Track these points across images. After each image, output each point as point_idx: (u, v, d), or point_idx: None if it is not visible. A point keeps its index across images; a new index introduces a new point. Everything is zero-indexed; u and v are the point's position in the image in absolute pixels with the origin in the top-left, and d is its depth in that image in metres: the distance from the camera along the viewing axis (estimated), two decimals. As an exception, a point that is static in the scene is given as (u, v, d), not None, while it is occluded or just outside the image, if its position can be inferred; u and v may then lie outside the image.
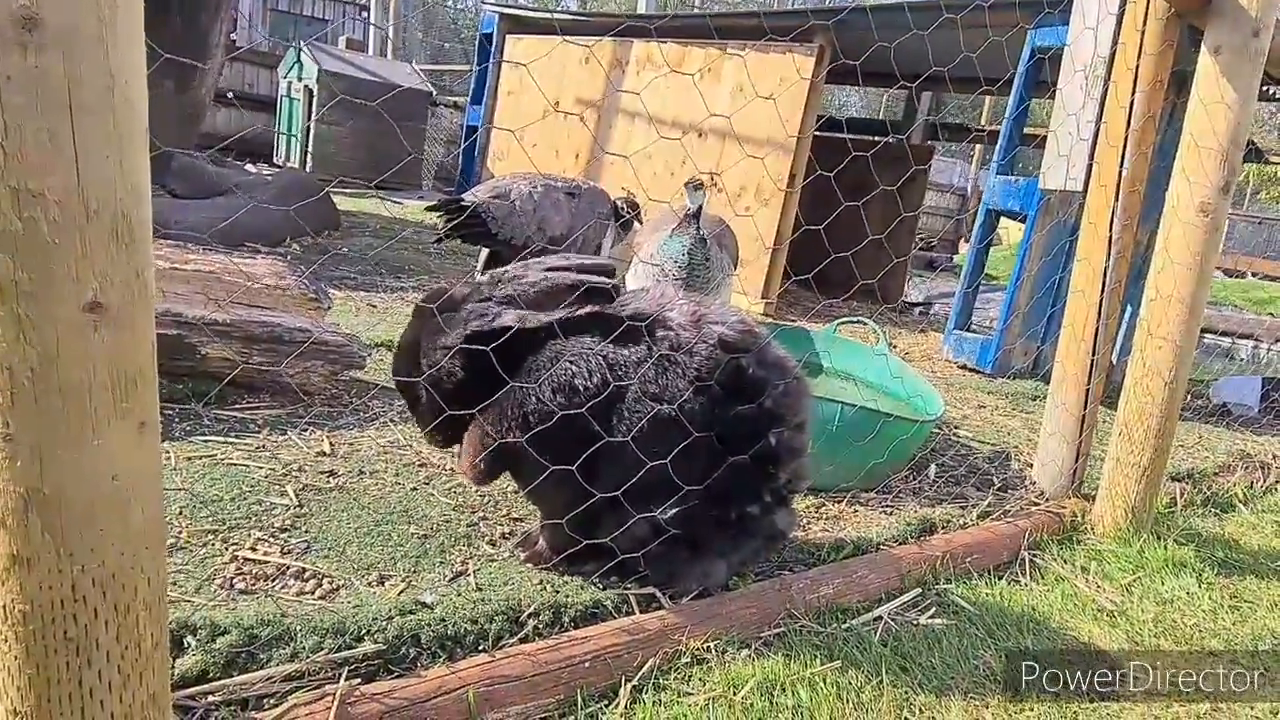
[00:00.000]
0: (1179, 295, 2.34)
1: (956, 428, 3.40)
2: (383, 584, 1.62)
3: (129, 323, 0.80)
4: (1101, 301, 2.55)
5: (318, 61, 8.60)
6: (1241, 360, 6.91)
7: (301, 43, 8.88)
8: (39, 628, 0.81)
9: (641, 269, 3.28)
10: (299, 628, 1.37)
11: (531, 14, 7.37)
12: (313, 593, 1.55)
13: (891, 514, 2.39)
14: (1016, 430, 3.51)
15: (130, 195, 0.77)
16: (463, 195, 3.44)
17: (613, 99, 6.42)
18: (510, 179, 3.55)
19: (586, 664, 1.48)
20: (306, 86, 8.76)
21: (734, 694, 1.50)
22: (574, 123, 6.56)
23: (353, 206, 6.82)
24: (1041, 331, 4.53)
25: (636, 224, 3.88)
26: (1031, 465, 2.87)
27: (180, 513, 1.72)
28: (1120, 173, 2.49)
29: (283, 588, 1.56)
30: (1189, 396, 4.94)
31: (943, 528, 2.30)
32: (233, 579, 1.55)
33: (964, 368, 4.70)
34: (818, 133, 5.49)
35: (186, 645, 1.30)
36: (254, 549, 1.65)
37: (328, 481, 2.00)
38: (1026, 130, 4.95)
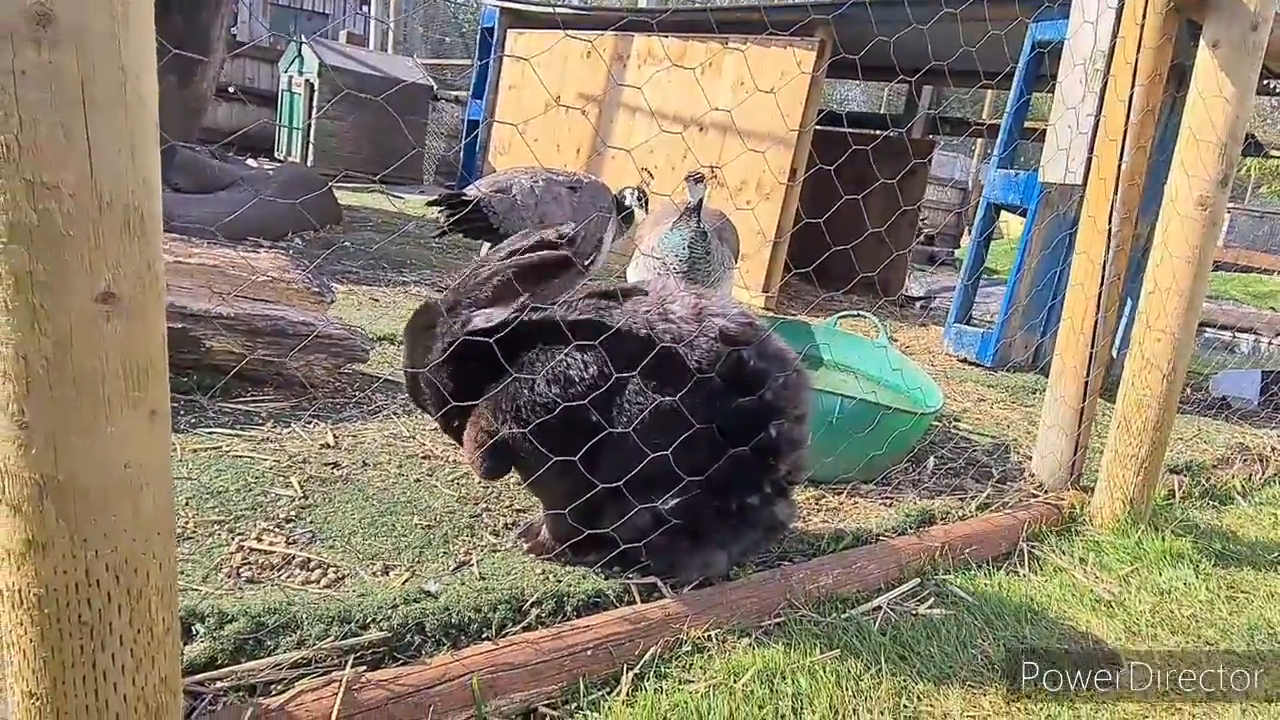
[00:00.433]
0: (1177, 288, 2.36)
1: (956, 420, 3.41)
2: (387, 573, 1.64)
3: (140, 313, 0.81)
4: (1100, 295, 2.56)
5: (318, 56, 8.61)
6: (1242, 354, 6.92)
7: (302, 37, 8.89)
8: (54, 611, 0.83)
9: (643, 262, 3.30)
10: (305, 616, 1.39)
11: (533, 8, 7.36)
12: (318, 582, 1.57)
13: (891, 505, 2.40)
14: (1016, 423, 3.52)
15: (142, 188, 0.79)
16: (464, 190, 3.45)
17: (614, 93, 6.43)
18: (512, 173, 3.56)
19: (589, 652, 1.50)
20: (307, 81, 8.77)
21: (735, 682, 1.51)
22: (575, 117, 6.56)
23: (355, 201, 6.84)
24: (1041, 325, 4.54)
25: (642, 213, 3.88)
26: (1030, 458, 2.89)
27: (187, 504, 1.74)
28: (1119, 166, 2.50)
29: (289, 577, 1.58)
30: (1189, 389, 4.95)
31: (942, 519, 2.31)
32: (239, 569, 1.57)
33: (964, 361, 4.71)
34: (818, 127, 5.50)
35: (195, 633, 1.32)
36: (260, 539, 1.67)
37: (332, 473, 2.02)
38: (1027, 124, 4.95)
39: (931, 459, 2.81)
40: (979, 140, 13.45)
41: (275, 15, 16.52)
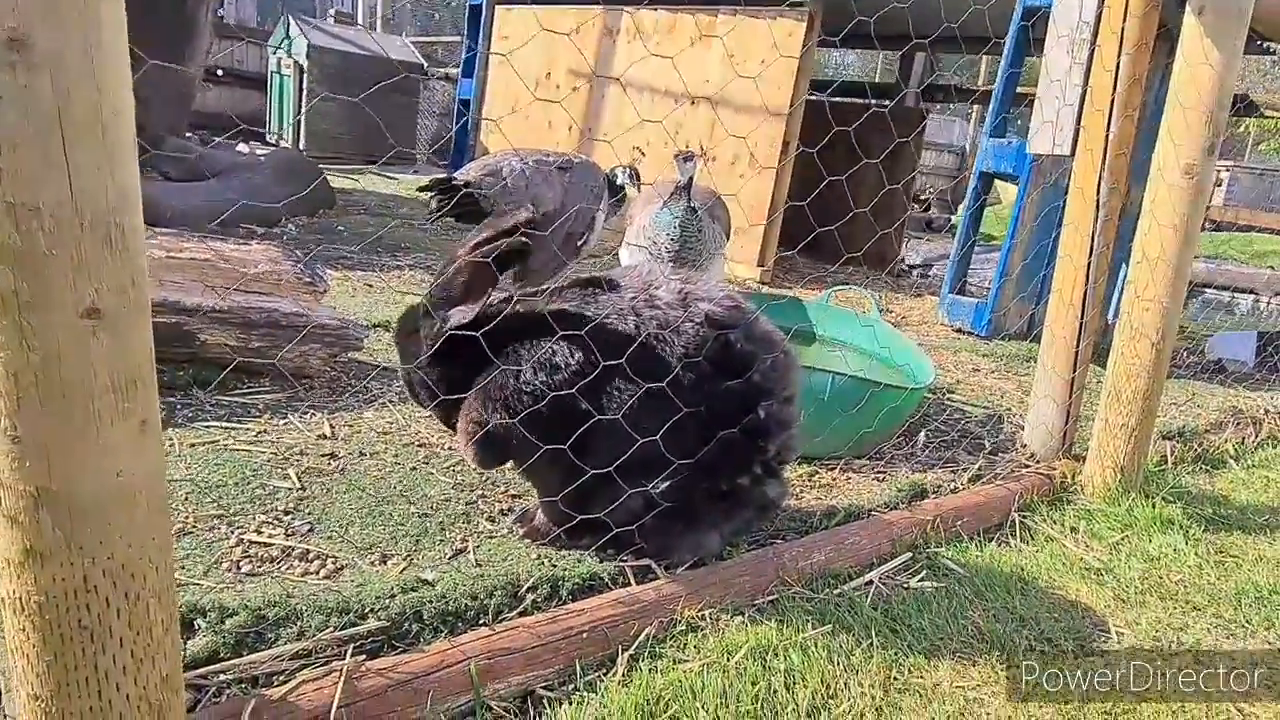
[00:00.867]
0: (1165, 257, 2.36)
1: (950, 392, 3.43)
2: (385, 563, 1.67)
3: (126, 326, 0.83)
4: (1089, 265, 2.57)
5: (306, 36, 8.54)
6: (1242, 313, 6.92)
7: (290, 17, 8.80)
8: (54, 617, 0.86)
9: (634, 244, 3.30)
10: (305, 607, 1.42)
11: (521, -17, 7.28)
12: (317, 573, 1.60)
13: (883, 480, 2.43)
14: (1009, 393, 3.54)
15: (122, 204, 0.80)
16: (454, 174, 3.45)
17: (604, 69, 6.38)
18: (502, 155, 3.55)
19: (584, 635, 1.53)
20: (296, 62, 8.70)
21: (728, 659, 1.55)
22: (566, 95, 6.52)
23: (347, 184, 6.82)
24: (1036, 293, 4.55)
25: (634, 190, 3.86)
26: (1023, 428, 2.91)
27: (185, 499, 1.77)
28: (1107, 136, 2.50)
29: (288, 569, 1.61)
30: (1184, 352, 4.97)
31: (934, 492, 2.34)
32: (239, 562, 1.60)
33: (959, 331, 4.73)
34: (810, 98, 5.47)
35: (196, 627, 1.35)
36: (259, 532, 1.70)
37: (329, 464, 2.04)
38: (1021, 90, 4.93)
39: (923, 432, 2.83)
40: (975, 107, 13.36)
41: (262, -4, 16.31)
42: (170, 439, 2.01)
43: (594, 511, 1.70)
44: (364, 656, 1.37)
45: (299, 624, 1.40)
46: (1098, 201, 2.54)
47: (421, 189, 3.48)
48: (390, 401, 2.48)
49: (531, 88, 6.77)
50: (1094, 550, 2.23)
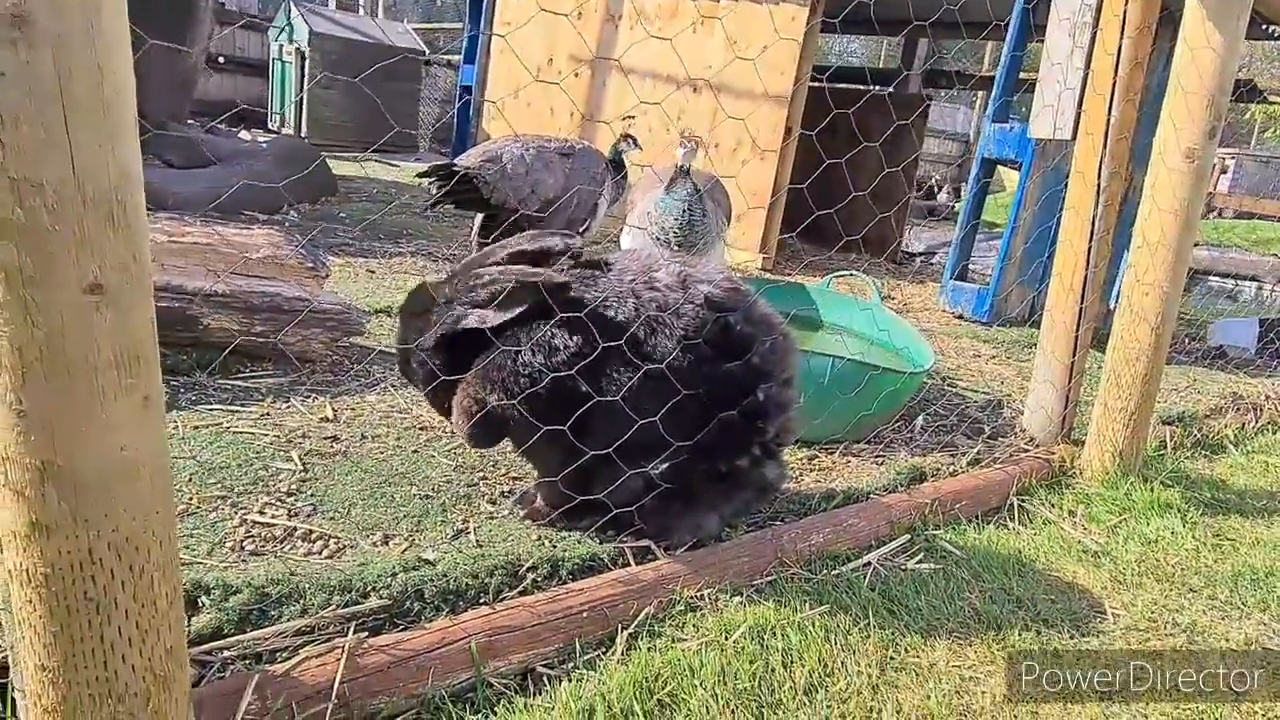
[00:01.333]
0: (1165, 242, 2.37)
1: (950, 377, 3.44)
2: (387, 543, 1.69)
3: (129, 302, 0.84)
4: (1090, 250, 2.57)
5: (308, 23, 8.52)
6: (1246, 301, 6.92)
7: (291, 4, 8.78)
8: (60, 589, 0.87)
9: (636, 228, 3.31)
10: (308, 586, 1.44)
11: (522, -31, 7.24)
12: (320, 553, 1.62)
13: (883, 464, 2.44)
14: (1010, 378, 3.55)
15: (123, 181, 0.81)
16: (453, 161, 3.45)
17: (605, 54, 6.36)
18: (502, 141, 3.55)
19: (584, 614, 1.54)
20: (298, 49, 8.68)
21: (726, 639, 1.56)
22: (567, 80, 6.51)
23: (350, 171, 6.81)
24: (1037, 279, 4.54)
25: (637, 151, 3.83)
26: (1023, 412, 2.92)
27: (190, 480, 1.79)
28: (1108, 120, 2.49)
29: (291, 549, 1.62)
30: (1186, 339, 4.97)
31: (932, 476, 2.35)
32: (243, 542, 1.62)
33: (960, 317, 4.73)
34: (812, 83, 5.45)
35: (201, 604, 1.37)
36: (262, 513, 1.71)
37: (331, 446, 2.06)
38: (1024, 75, 4.91)
39: (922, 416, 2.84)
40: (980, 93, 13.29)
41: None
42: (174, 422, 2.03)
43: (594, 493, 1.71)
44: (366, 634, 1.38)
45: (302, 602, 1.41)
46: (1099, 186, 2.53)
47: (420, 175, 3.49)
48: (392, 385, 2.49)
49: (534, 73, 6.75)
50: (1092, 533, 2.24)
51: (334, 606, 1.42)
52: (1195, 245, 2.46)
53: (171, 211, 3.50)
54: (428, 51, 10.50)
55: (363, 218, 5.00)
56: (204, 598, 1.38)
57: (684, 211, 3.19)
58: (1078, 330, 2.62)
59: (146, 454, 0.89)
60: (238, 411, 2.16)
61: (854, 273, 3.60)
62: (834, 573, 1.86)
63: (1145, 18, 2.43)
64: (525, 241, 1.77)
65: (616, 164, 3.79)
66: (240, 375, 2.38)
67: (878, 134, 5.21)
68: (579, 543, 1.76)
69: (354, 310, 2.63)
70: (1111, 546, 2.17)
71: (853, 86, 7.47)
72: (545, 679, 1.44)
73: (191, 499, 1.72)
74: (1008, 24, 4.50)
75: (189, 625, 1.32)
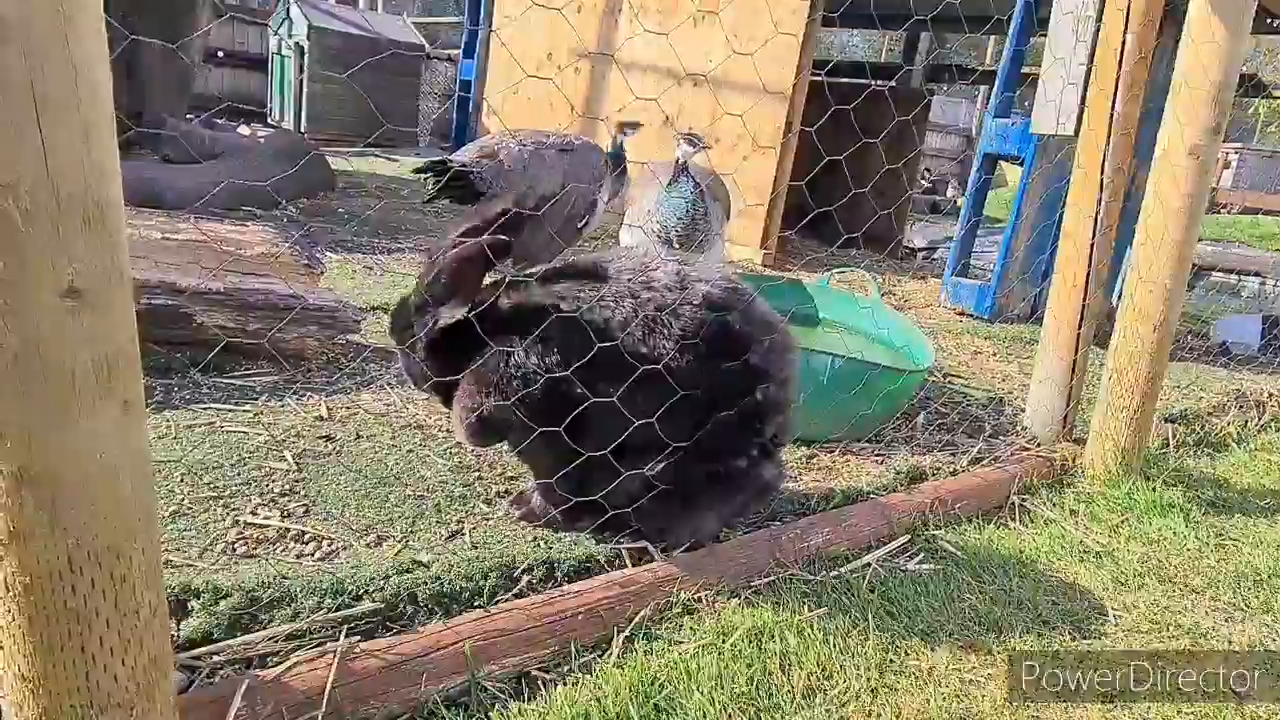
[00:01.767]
0: (1169, 239, 2.34)
1: (951, 375, 3.42)
2: (380, 544, 1.67)
3: (107, 306, 0.82)
4: (1092, 247, 2.55)
5: (307, 17, 8.47)
6: (1248, 297, 6.88)
7: (290, -1, 8.73)
8: (39, 598, 0.85)
9: (637, 225, 3.29)
10: (299, 589, 1.42)
11: (522, -37, 7.21)
12: (312, 554, 1.60)
13: (882, 463, 2.42)
14: (1011, 376, 3.53)
15: (100, 181, 0.79)
16: (450, 157, 3.42)
17: (605, 49, 6.33)
18: (500, 137, 3.52)
19: (580, 616, 1.53)
20: (297, 43, 8.63)
21: (723, 641, 1.55)
22: (567, 75, 6.48)
23: (348, 166, 6.78)
24: (1039, 276, 4.52)
25: (635, 134, 3.79)
26: (1024, 411, 2.90)
27: (181, 480, 1.77)
28: (1111, 115, 2.47)
29: (283, 551, 1.60)
30: (1189, 335, 4.94)
31: (933, 475, 2.33)
32: (234, 543, 1.60)
33: (962, 314, 4.70)
34: (813, 78, 5.42)
35: (191, 608, 1.35)
36: (254, 514, 1.70)
37: (325, 446, 2.04)
38: (1026, 70, 4.88)
39: (922, 415, 2.82)
40: (982, 89, 13.24)
41: (263, -23, 16.19)
42: (167, 421, 2.01)
43: (591, 494, 1.69)
44: (358, 638, 1.37)
45: (293, 605, 1.39)
46: (1101, 182, 2.51)
47: (417, 171, 3.46)
48: (387, 384, 2.47)
49: (533, 69, 6.72)
50: (1094, 533, 2.22)
51: (326, 610, 1.40)
52: (1198, 240, 2.44)
53: (169, 207, 3.48)
54: (428, 46, 10.45)
55: (361, 213, 4.98)
56: (194, 601, 1.36)
57: (686, 209, 3.17)
58: (1080, 327, 2.60)
59: (127, 460, 0.87)
60: (231, 410, 2.14)
61: (853, 268, 3.58)
62: (833, 574, 1.84)
63: (1149, 12, 2.40)
64: (468, 220, 1.71)
65: (616, 159, 3.77)
66: (234, 374, 2.35)
67: (879, 129, 5.17)
68: (575, 544, 1.74)
69: (349, 307, 2.61)
70: (1113, 547, 2.15)
71: (853, 81, 7.44)
72: (540, 683, 1.42)
73: (183, 500, 1.70)
74: (1010, 18, 4.47)
75: (178, 630, 1.30)
